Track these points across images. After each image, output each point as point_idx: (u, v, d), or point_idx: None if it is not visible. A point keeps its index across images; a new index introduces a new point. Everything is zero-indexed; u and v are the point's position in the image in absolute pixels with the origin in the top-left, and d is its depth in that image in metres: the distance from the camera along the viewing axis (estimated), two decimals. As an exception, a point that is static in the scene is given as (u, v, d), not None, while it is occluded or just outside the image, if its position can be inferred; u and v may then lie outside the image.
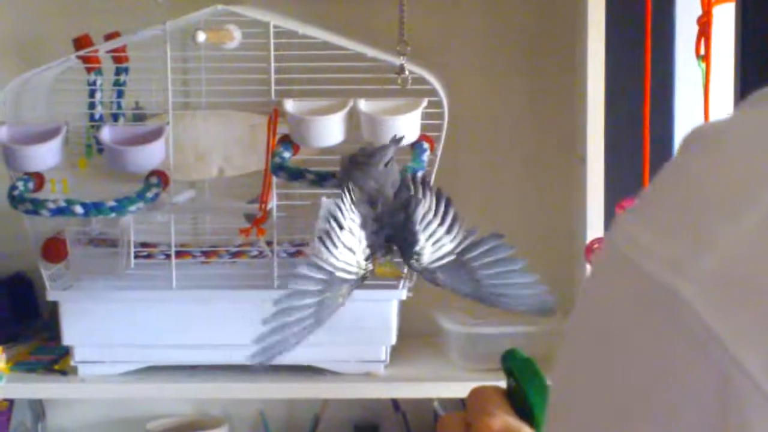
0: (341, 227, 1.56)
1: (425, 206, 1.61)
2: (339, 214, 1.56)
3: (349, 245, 1.57)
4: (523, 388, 0.82)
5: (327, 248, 1.55)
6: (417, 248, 1.61)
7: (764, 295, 0.48)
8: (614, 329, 0.52)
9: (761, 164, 0.51)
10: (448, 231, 1.62)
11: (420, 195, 1.61)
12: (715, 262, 0.49)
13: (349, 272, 1.58)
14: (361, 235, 1.59)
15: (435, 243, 1.62)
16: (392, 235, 1.62)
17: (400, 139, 1.64)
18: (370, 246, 1.60)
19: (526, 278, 1.65)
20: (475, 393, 0.86)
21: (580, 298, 0.56)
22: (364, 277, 1.60)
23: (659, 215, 0.53)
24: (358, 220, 1.59)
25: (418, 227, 1.60)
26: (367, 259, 1.60)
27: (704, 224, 0.50)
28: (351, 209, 1.58)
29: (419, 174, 1.66)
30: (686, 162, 0.54)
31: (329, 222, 1.56)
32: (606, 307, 0.53)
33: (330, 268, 1.56)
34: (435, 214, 1.62)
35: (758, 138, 0.52)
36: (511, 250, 1.63)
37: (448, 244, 1.62)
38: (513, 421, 0.81)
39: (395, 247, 1.63)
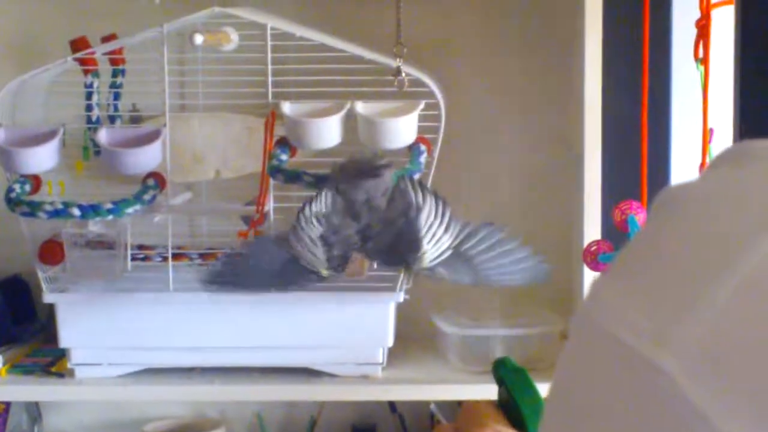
0: (302, 230, 1.58)
1: (427, 211, 1.61)
2: (302, 219, 1.58)
3: (311, 249, 1.59)
4: (515, 399, 0.82)
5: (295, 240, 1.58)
6: (419, 253, 1.60)
7: (748, 367, 0.47)
8: (597, 404, 0.51)
9: (731, 229, 0.50)
10: (446, 230, 1.62)
11: (421, 201, 1.61)
12: (696, 333, 0.48)
13: (312, 268, 1.60)
14: (319, 244, 1.59)
15: (435, 243, 1.62)
16: (391, 242, 1.61)
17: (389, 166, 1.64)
18: (334, 255, 1.60)
19: (521, 253, 1.65)
20: (468, 407, 0.86)
21: (559, 371, 0.55)
22: (325, 278, 1.62)
23: (636, 286, 0.52)
24: (316, 231, 1.59)
25: (422, 233, 1.60)
26: (332, 267, 1.61)
27: (681, 295, 0.49)
28: (311, 220, 1.58)
29: (415, 176, 1.66)
30: (658, 229, 0.53)
31: (297, 220, 1.59)
32: (587, 381, 0.52)
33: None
34: (436, 217, 1.62)
35: (724, 202, 0.52)
36: (504, 232, 1.64)
37: (446, 242, 1.62)
38: (505, 430, 0.81)
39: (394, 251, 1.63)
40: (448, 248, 1.62)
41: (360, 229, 1.60)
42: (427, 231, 1.60)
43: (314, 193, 1.60)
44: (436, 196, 1.62)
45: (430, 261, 1.61)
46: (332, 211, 1.60)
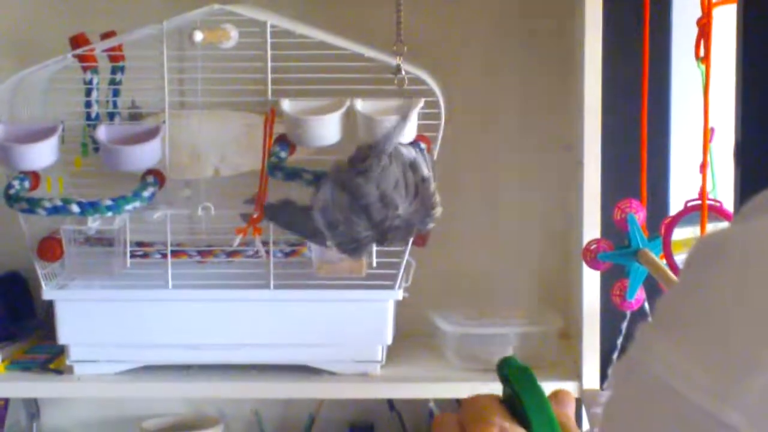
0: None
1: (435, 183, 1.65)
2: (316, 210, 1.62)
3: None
4: (520, 397, 0.82)
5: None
6: (435, 215, 1.65)
7: None
8: None
9: None
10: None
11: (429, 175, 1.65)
12: (760, 388, 0.49)
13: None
14: (328, 233, 1.63)
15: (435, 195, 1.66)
16: (407, 219, 1.64)
17: (389, 137, 1.65)
18: (343, 243, 1.64)
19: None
20: (471, 401, 0.85)
21: (612, 420, 0.55)
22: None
23: (692, 339, 0.52)
24: (321, 220, 1.62)
25: (437, 199, 1.65)
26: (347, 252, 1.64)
27: (743, 349, 0.50)
28: (314, 210, 1.62)
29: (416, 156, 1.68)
30: (708, 279, 0.53)
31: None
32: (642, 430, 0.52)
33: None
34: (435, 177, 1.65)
35: None
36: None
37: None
38: (511, 428, 0.81)
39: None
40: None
41: (376, 223, 1.61)
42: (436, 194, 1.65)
43: (318, 186, 1.63)
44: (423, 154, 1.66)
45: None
46: (334, 206, 1.61)
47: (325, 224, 1.63)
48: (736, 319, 0.51)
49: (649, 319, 0.56)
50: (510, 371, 0.84)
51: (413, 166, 1.65)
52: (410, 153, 1.66)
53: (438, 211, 1.65)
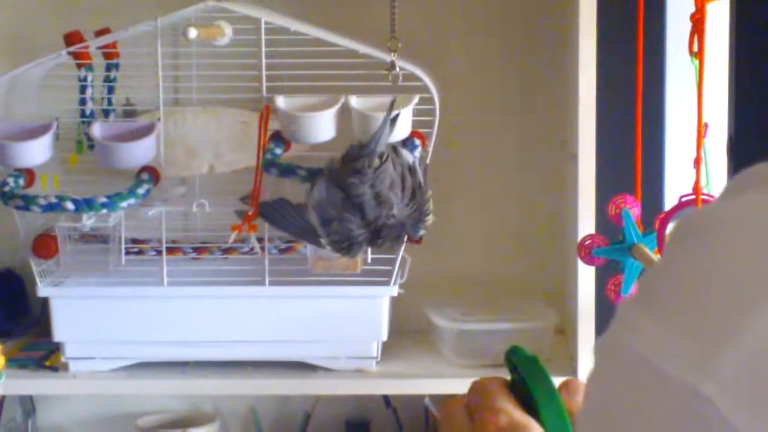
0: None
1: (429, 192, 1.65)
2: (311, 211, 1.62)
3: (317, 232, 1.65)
4: (529, 387, 0.82)
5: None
6: (427, 219, 1.64)
7: None
8: (635, 429, 0.52)
9: (766, 256, 0.51)
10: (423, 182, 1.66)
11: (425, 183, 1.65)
12: (737, 360, 0.49)
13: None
14: (323, 231, 1.63)
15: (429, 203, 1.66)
16: (404, 224, 1.64)
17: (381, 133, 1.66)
18: (337, 241, 1.63)
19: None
20: (478, 385, 0.85)
21: (592, 395, 0.55)
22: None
23: (672, 314, 0.52)
24: (317, 218, 1.62)
25: (431, 207, 1.64)
26: (341, 251, 1.64)
27: (720, 323, 0.50)
28: (309, 207, 1.62)
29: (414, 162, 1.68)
30: (688, 255, 0.54)
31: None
32: (624, 406, 0.53)
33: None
34: (410, 175, 1.65)
35: (756, 227, 0.52)
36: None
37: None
38: (519, 416, 0.81)
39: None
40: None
41: (371, 221, 1.61)
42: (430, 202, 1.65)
43: (312, 183, 1.63)
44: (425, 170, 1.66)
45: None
46: (329, 204, 1.61)
47: (320, 222, 1.63)
48: (713, 292, 0.51)
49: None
50: (518, 360, 0.84)
51: (412, 169, 1.65)
52: (409, 157, 1.66)
53: (430, 219, 1.66)
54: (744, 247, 0.51)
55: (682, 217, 0.56)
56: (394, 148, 1.66)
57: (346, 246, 1.64)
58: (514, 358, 0.85)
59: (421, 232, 1.67)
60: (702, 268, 0.53)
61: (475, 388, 0.85)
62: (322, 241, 1.64)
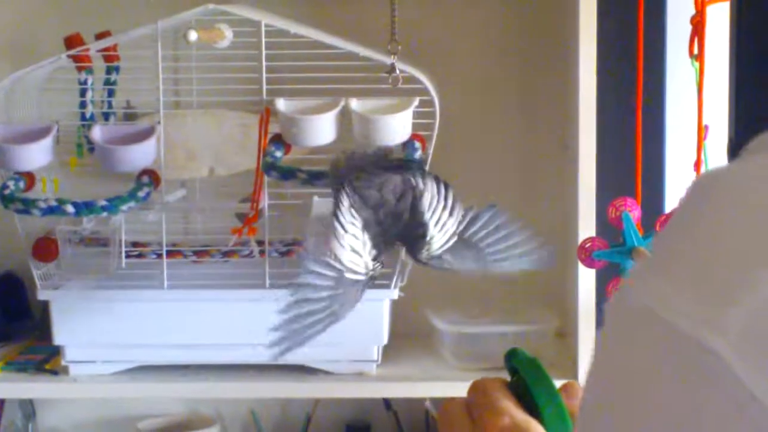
0: (345, 230, 1.55)
1: (429, 194, 1.60)
2: (341, 217, 1.55)
3: (355, 248, 1.56)
4: (530, 388, 0.82)
5: (337, 249, 1.55)
6: (428, 238, 1.60)
7: None
8: (644, 385, 0.52)
9: None
10: (451, 213, 1.62)
11: (421, 184, 1.60)
12: (744, 314, 0.49)
13: (357, 273, 1.57)
14: (364, 237, 1.57)
15: (441, 228, 1.61)
16: (399, 234, 1.61)
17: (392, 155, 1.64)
18: (375, 247, 1.59)
19: (523, 236, 1.65)
20: (479, 385, 0.85)
21: (601, 353, 0.56)
22: (373, 278, 1.59)
23: (683, 270, 0.52)
24: (359, 222, 1.58)
25: (427, 216, 1.60)
26: (374, 260, 1.59)
27: (729, 278, 0.50)
28: (351, 213, 1.57)
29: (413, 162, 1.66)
30: (699, 213, 0.54)
31: (333, 224, 1.55)
32: (633, 362, 0.53)
33: (339, 267, 1.55)
34: (439, 200, 1.61)
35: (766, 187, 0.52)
36: (506, 215, 1.63)
37: (452, 227, 1.62)
38: (521, 416, 0.81)
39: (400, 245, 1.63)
40: (453, 234, 1.62)
41: (378, 220, 1.60)
42: (432, 215, 1.60)
43: (335, 194, 1.57)
44: (437, 180, 1.61)
45: (438, 248, 1.61)
46: (360, 205, 1.59)
47: (363, 223, 1.59)
48: (723, 248, 0.51)
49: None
50: (519, 362, 0.84)
51: (420, 194, 1.61)
52: (423, 185, 1.62)
53: (434, 240, 1.62)
54: (754, 206, 0.52)
55: (697, 177, 0.56)
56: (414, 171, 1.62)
57: (379, 251, 1.60)
58: (514, 359, 0.85)
59: (427, 254, 1.63)
60: (711, 225, 0.53)
61: (476, 388, 0.84)
62: (358, 264, 1.59)
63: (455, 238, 1.62)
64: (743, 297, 0.49)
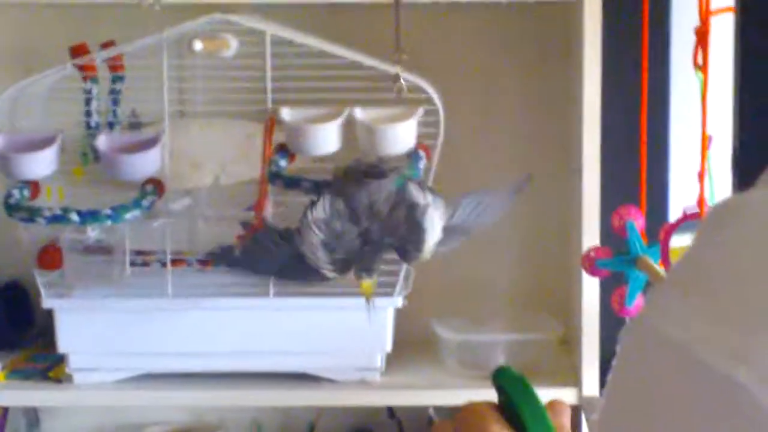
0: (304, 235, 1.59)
1: (432, 211, 1.62)
2: (306, 225, 1.59)
3: (314, 253, 1.60)
4: (518, 407, 0.82)
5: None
6: (423, 248, 1.62)
7: None
8: (668, 416, 0.51)
9: None
10: (441, 218, 1.63)
11: (429, 201, 1.62)
12: None
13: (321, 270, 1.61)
14: (324, 250, 1.60)
15: (435, 237, 1.63)
16: (393, 244, 1.62)
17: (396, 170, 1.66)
18: (337, 261, 1.60)
19: (497, 192, 1.70)
20: (468, 408, 0.85)
21: (621, 381, 0.55)
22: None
23: (706, 298, 0.52)
24: (318, 236, 1.59)
25: (428, 233, 1.61)
26: (336, 270, 1.61)
27: (755, 309, 0.50)
28: (314, 224, 1.59)
29: (416, 181, 1.67)
30: (723, 240, 0.53)
31: (311, 225, 1.59)
32: (656, 392, 0.52)
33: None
34: (438, 216, 1.62)
35: None
36: (481, 191, 1.68)
37: (441, 228, 1.64)
38: None
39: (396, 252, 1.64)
40: (443, 229, 1.64)
41: (361, 232, 1.60)
42: (432, 228, 1.62)
43: (314, 199, 1.60)
44: (434, 194, 1.63)
45: (430, 253, 1.63)
46: (333, 217, 1.60)
47: (321, 241, 1.60)
48: (748, 278, 0.51)
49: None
50: (505, 381, 0.84)
51: (413, 206, 1.62)
52: (419, 197, 1.63)
53: (426, 250, 1.64)
54: None
55: (718, 202, 0.55)
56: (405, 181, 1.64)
57: (346, 263, 1.62)
58: (501, 378, 0.85)
59: (418, 260, 1.65)
60: (736, 253, 0.52)
61: (465, 412, 0.85)
62: (321, 262, 1.61)
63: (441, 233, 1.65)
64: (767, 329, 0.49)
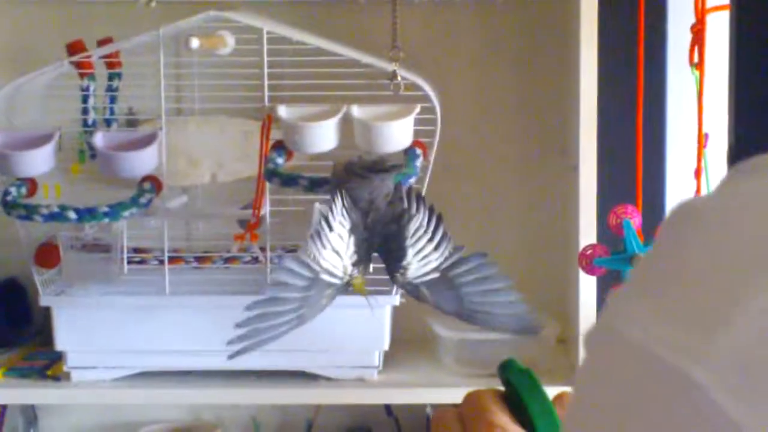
0: (331, 229, 1.58)
1: (417, 222, 1.62)
2: (330, 216, 1.58)
3: (337, 248, 1.59)
4: (524, 400, 0.82)
5: (316, 248, 1.57)
6: (404, 263, 1.62)
7: None
8: (628, 418, 0.51)
9: (756, 242, 0.51)
10: (436, 248, 1.64)
11: (413, 210, 1.62)
12: (730, 347, 0.49)
13: (334, 276, 1.59)
14: (349, 240, 1.60)
15: (422, 259, 1.64)
16: (380, 246, 1.63)
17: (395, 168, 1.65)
18: (357, 253, 1.61)
19: (510, 297, 1.67)
20: (473, 397, 0.84)
21: (583, 385, 0.55)
22: (348, 284, 1.61)
23: (665, 301, 0.52)
24: (347, 225, 1.60)
25: (408, 242, 1.62)
26: (354, 265, 1.61)
27: (714, 309, 0.50)
28: (342, 213, 1.59)
29: (413, 187, 1.67)
30: (680, 243, 0.54)
31: (320, 223, 1.58)
32: (617, 394, 0.52)
33: (316, 267, 1.57)
34: (425, 231, 1.63)
35: (747, 215, 0.52)
36: (495, 269, 1.65)
37: (434, 261, 1.64)
38: (513, 430, 0.81)
39: (381, 258, 1.64)
40: (435, 269, 1.64)
41: (366, 226, 1.61)
42: (415, 242, 1.62)
43: (331, 196, 1.60)
44: (431, 211, 1.64)
45: (415, 277, 1.63)
46: (350, 207, 1.60)
47: (351, 227, 1.60)
48: (705, 277, 0.51)
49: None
50: (512, 374, 0.84)
51: (399, 216, 1.63)
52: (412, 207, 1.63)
53: (410, 266, 1.63)
54: (734, 234, 0.52)
55: (677, 204, 0.56)
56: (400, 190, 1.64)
57: (361, 258, 1.62)
58: (508, 371, 0.85)
59: (402, 278, 1.65)
60: (692, 254, 0.53)
61: (470, 399, 0.84)
62: (337, 268, 1.61)
63: (437, 274, 1.64)
64: (726, 327, 0.49)
